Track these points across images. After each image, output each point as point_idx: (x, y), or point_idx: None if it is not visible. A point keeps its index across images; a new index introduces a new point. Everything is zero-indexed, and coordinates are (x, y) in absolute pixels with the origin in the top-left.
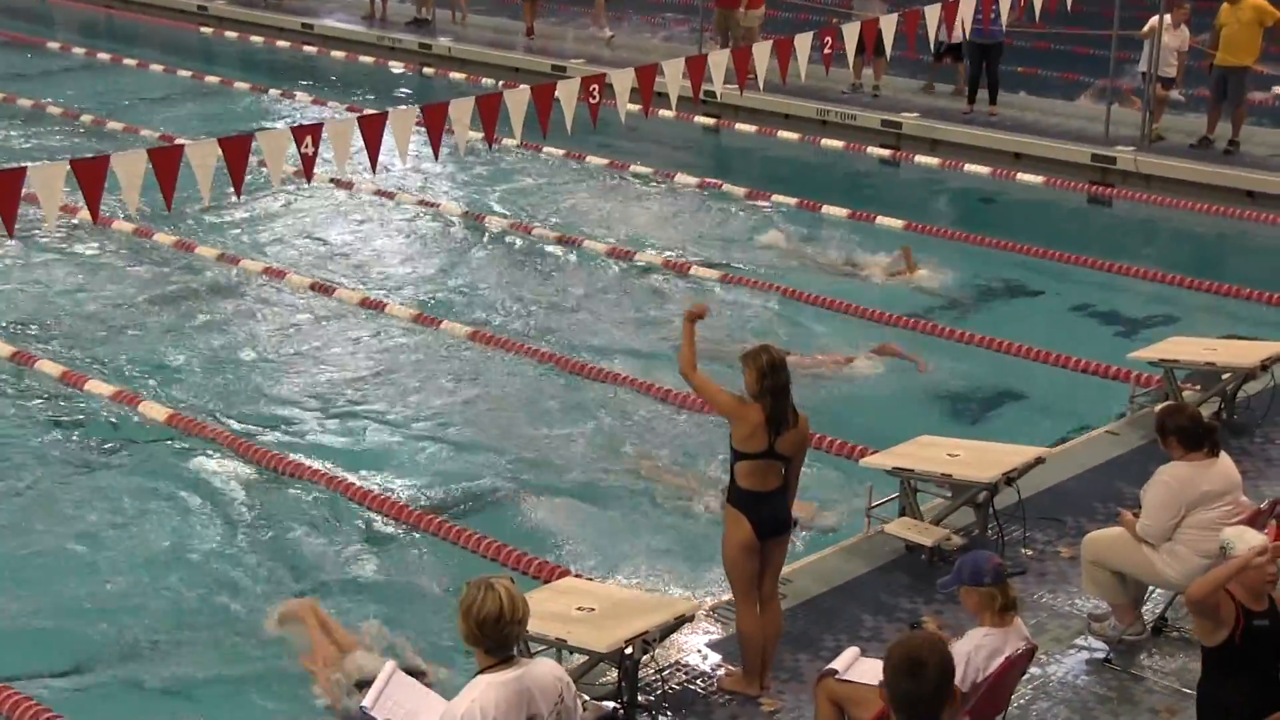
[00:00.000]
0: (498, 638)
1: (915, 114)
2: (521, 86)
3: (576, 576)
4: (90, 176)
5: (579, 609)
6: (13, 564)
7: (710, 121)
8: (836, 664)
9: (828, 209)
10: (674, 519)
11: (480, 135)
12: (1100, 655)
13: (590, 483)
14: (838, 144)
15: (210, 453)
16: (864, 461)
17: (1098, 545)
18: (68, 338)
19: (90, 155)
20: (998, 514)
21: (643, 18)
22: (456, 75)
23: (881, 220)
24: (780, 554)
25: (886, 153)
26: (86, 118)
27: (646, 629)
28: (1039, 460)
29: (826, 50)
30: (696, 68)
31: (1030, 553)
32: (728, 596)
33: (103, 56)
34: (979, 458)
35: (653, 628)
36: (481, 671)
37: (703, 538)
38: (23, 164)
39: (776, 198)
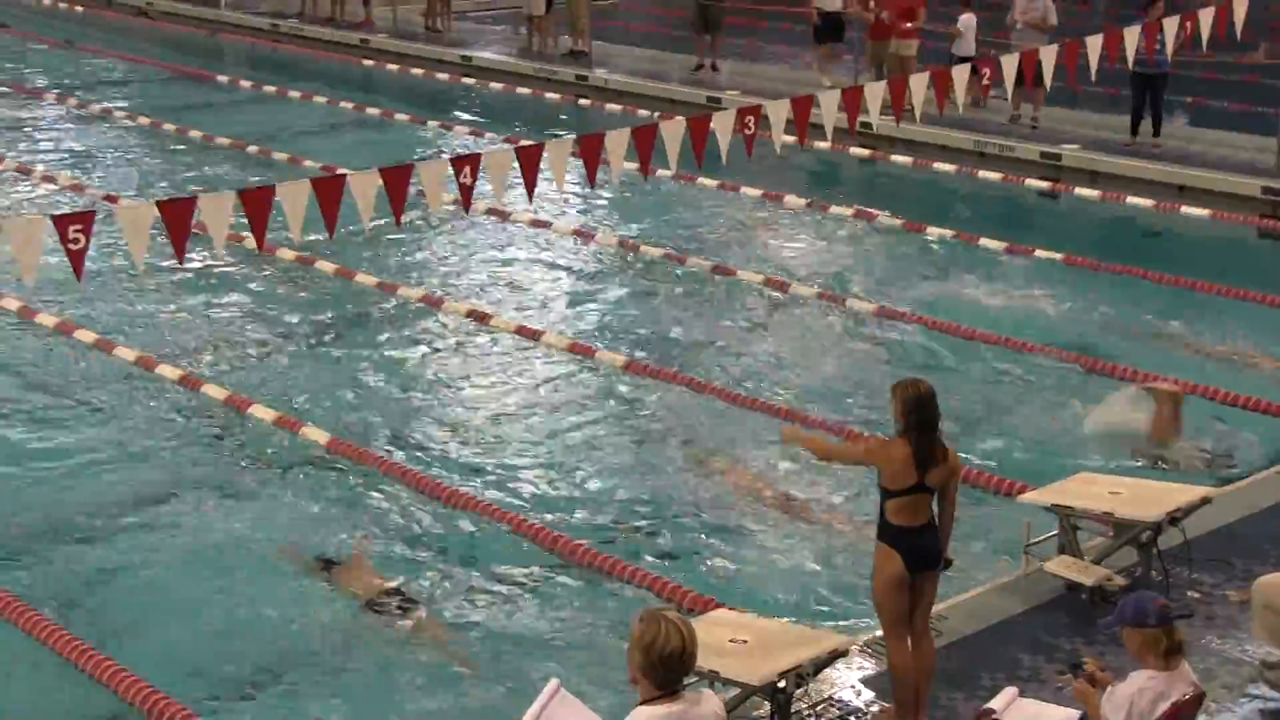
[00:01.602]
0: (675, 672)
1: (1075, 145)
2: (677, 118)
3: (729, 609)
4: (256, 205)
5: (732, 641)
6: (179, 585)
7: (865, 153)
8: (994, 704)
9: (985, 241)
10: (826, 552)
11: (636, 166)
12: (1274, 705)
13: (742, 514)
14: (995, 176)
15: (369, 478)
16: (1022, 498)
17: (1270, 589)
18: (233, 362)
19: (256, 185)
20: (1162, 555)
21: (797, 49)
22: (612, 107)
23: (1040, 253)
24: (932, 589)
25: (1045, 185)
26: (253, 148)
27: (800, 662)
28: (1205, 500)
29: (985, 81)
30: (852, 99)
31: (1197, 595)
32: (881, 632)
33: (269, 89)
34: (1142, 496)
35: (806, 661)
36: (643, 703)
37: (854, 572)
38: (193, 193)
39: (932, 230)
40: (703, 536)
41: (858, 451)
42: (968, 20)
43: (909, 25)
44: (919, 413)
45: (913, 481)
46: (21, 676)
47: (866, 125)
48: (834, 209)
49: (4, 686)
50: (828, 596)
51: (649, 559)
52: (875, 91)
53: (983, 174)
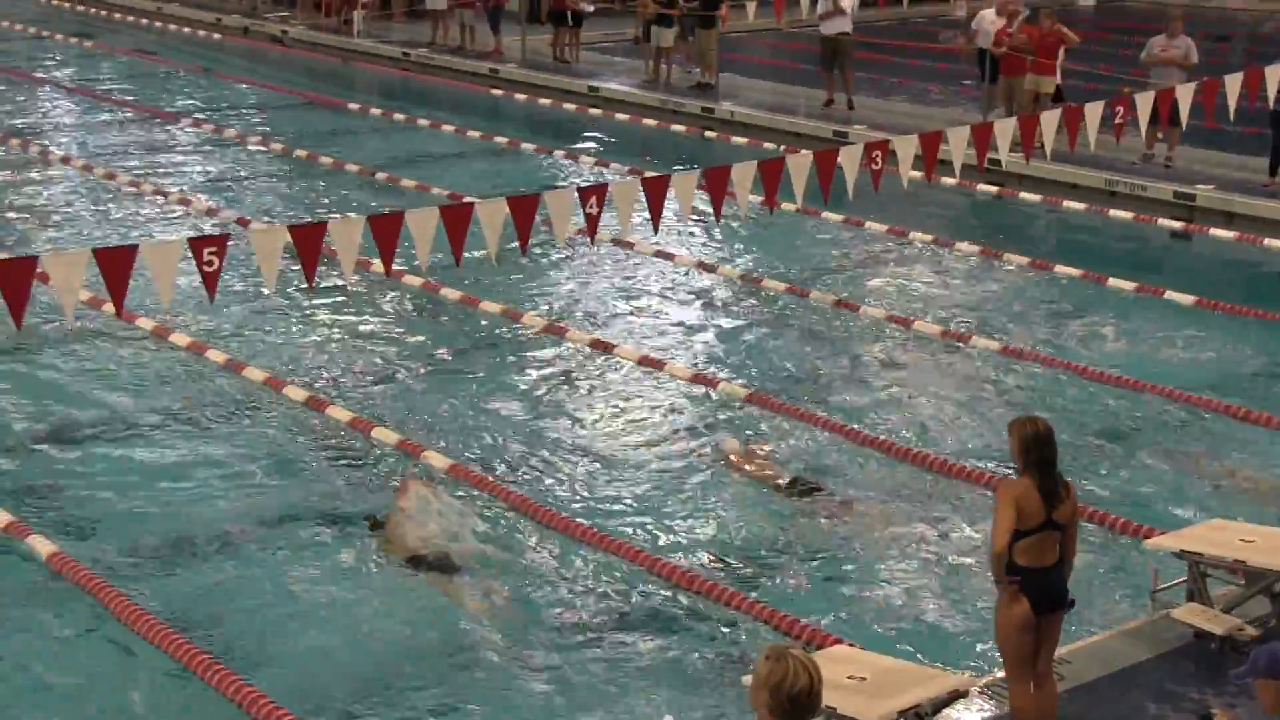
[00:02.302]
0: (802, 711)
1: (1211, 185)
2: (804, 152)
3: (847, 644)
4: (385, 232)
5: (850, 678)
6: (300, 603)
7: (993, 189)
8: None
9: (1114, 281)
10: (948, 590)
11: (761, 199)
12: None
13: (862, 549)
14: (1126, 215)
15: (489, 505)
16: (1149, 542)
17: None
18: (358, 385)
19: (385, 211)
20: None
21: (926, 84)
22: (738, 139)
23: (1170, 294)
24: (1056, 630)
25: (1178, 225)
26: (382, 175)
27: (919, 701)
28: None
29: (1118, 120)
30: (982, 135)
31: None
32: (1002, 674)
33: (398, 117)
34: (1276, 545)
35: (925, 701)
36: None
37: (977, 610)
38: (323, 218)
39: (1060, 268)
40: (822, 571)
41: (1006, 516)
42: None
43: (1049, 61)
44: (1039, 450)
45: (1041, 519)
46: (145, 686)
47: (995, 162)
48: (960, 245)
49: (125, 695)
50: (949, 635)
51: (767, 592)
52: (1005, 128)
53: (1113, 213)
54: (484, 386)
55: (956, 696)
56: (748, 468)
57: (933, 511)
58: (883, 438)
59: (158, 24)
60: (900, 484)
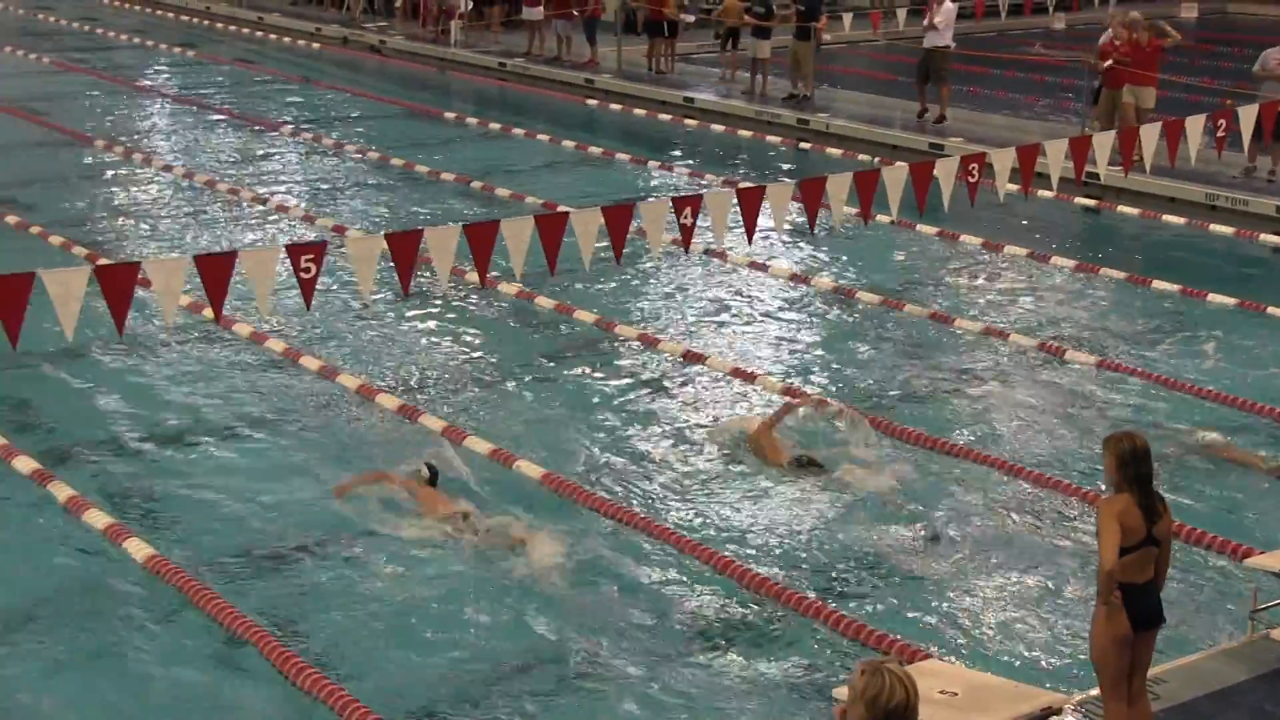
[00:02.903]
0: None
1: None
2: (899, 164)
3: (939, 659)
4: (480, 240)
5: (941, 693)
6: (391, 609)
7: (1091, 203)
8: None
9: (1213, 297)
10: (1041, 606)
11: (855, 211)
12: None
13: (953, 565)
14: (1226, 230)
15: (581, 514)
16: (1249, 562)
17: None
18: (450, 394)
19: (480, 220)
20: None
21: (1026, 96)
22: (833, 151)
23: (1272, 310)
24: (1151, 648)
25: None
26: (477, 184)
27: (1011, 718)
28: None
29: (1220, 133)
30: (1080, 149)
31: None
32: (1096, 692)
33: (494, 126)
34: None
35: (1017, 717)
36: None
37: (1070, 627)
38: (419, 226)
39: (1158, 284)
40: (914, 585)
41: (1112, 532)
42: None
43: (1149, 74)
44: (1136, 465)
45: (1142, 536)
46: (239, 688)
47: (1093, 175)
48: (1056, 259)
49: (220, 697)
50: (1040, 651)
51: (858, 607)
52: (1104, 141)
53: (1214, 228)
54: (576, 396)
55: (1050, 714)
56: (765, 453)
57: (1027, 526)
58: (977, 450)
59: (259, 34)
60: (995, 498)
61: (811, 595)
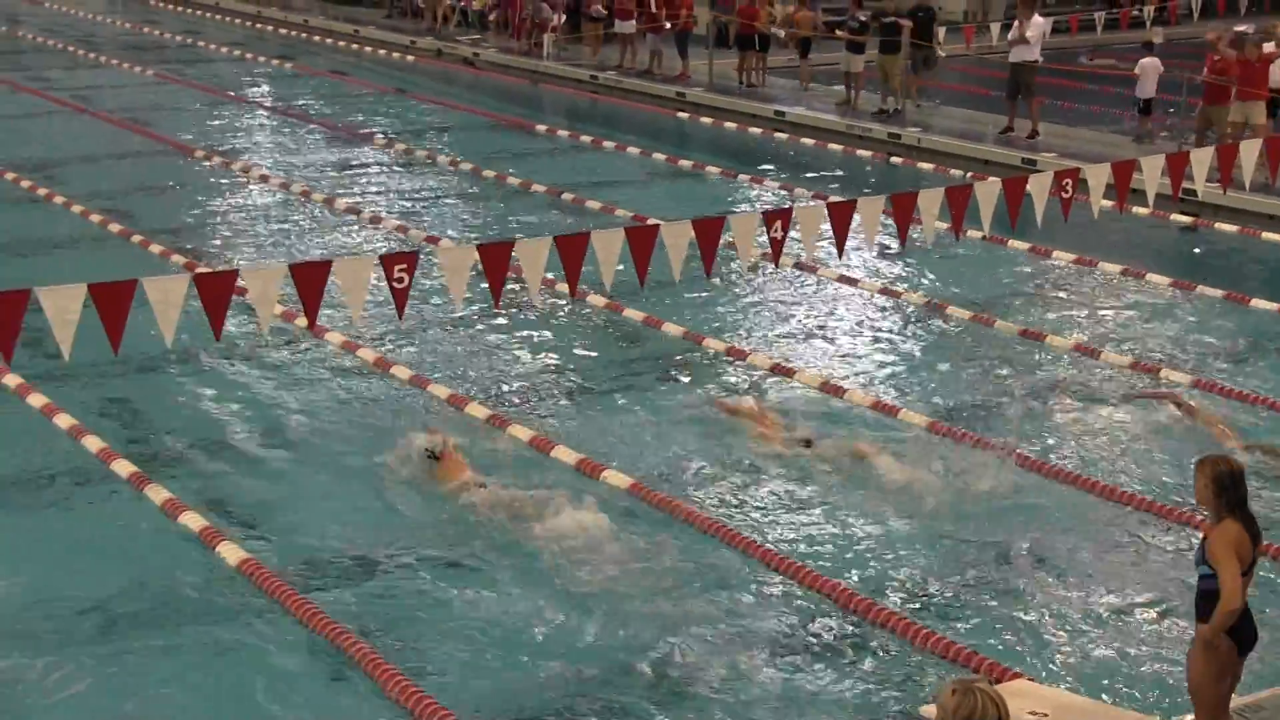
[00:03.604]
0: None
1: None
2: (992, 179)
3: (1029, 679)
4: (571, 252)
5: (1032, 714)
6: (482, 620)
7: (1187, 220)
8: None
9: None
10: (1133, 628)
11: (947, 226)
12: None
13: (1045, 583)
14: None
15: (677, 525)
16: None
17: None
18: (540, 404)
19: (571, 232)
20: None
21: (1118, 111)
22: (924, 165)
23: None
24: (1241, 669)
25: None
26: (567, 196)
27: None
28: None
29: None
30: (1177, 165)
31: None
32: (1190, 717)
33: (585, 139)
34: None
35: None
36: None
37: (1163, 650)
38: (511, 238)
39: (1256, 302)
40: (1003, 604)
41: (1233, 564)
42: (1148, 64)
43: (1260, 91)
44: (1236, 489)
45: (1250, 561)
46: (328, 691)
47: (1191, 192)
48: (1151, 276)
49: (308, 697)
50: (1130, 673)
51: (949, 625)
52: (1202, 157)
53: None
54: (665, 408)
55: None
56: (762, 429)
57: (1117, 546)
58: (1069, 469)
59: (354, 46)
60: (1085, 517)
61: (900, 612)
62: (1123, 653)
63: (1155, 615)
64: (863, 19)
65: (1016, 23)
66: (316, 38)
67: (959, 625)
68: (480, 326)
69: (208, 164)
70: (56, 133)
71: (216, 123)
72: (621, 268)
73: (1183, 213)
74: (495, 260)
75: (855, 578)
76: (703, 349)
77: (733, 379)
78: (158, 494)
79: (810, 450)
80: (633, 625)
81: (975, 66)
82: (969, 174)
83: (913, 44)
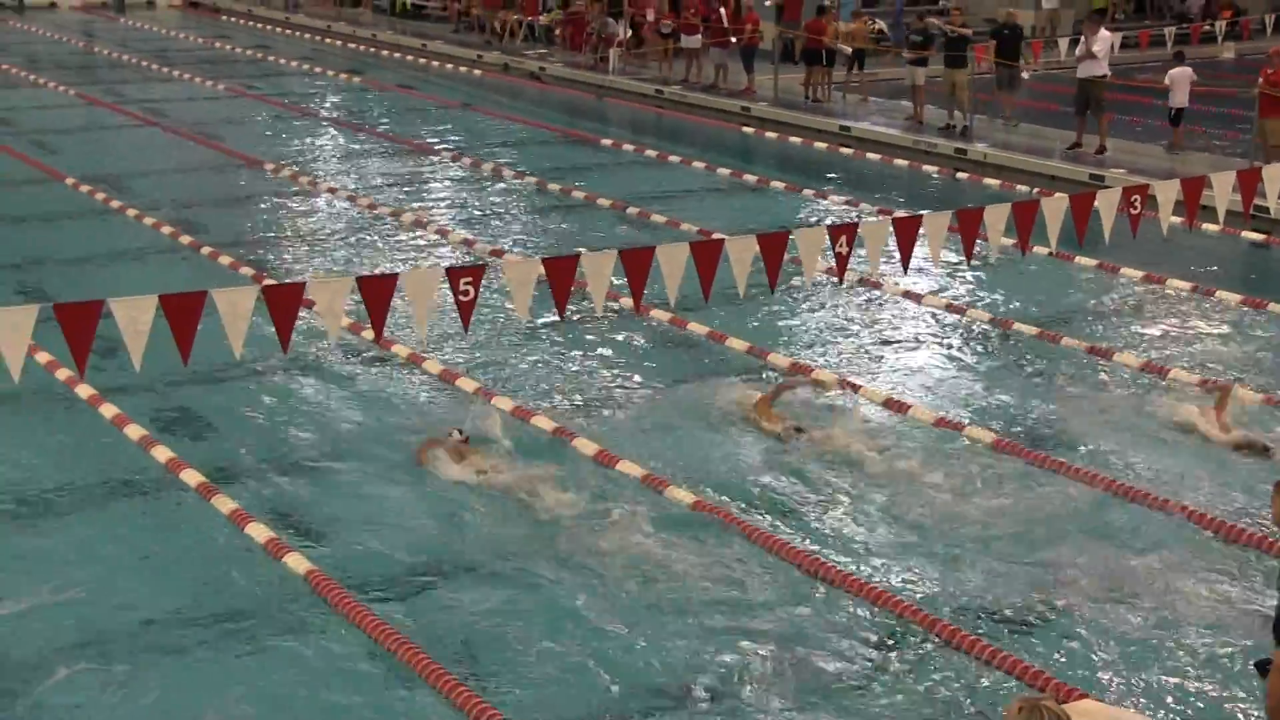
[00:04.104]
0: None
1: None
2: (1059, 195)
3: (1094, 699)
4: (636, 265)
5: None
6: (547, 634)
7: (1259, 237)
8: None
9: None
10: (1205, 650)
11: (1013, 242)
12: None
13: (1112, 605)
14: None
15: (734, 541)
16: None
17: None
18: (604, 417)
19: (636, 246)
20: None
21: (1192, 127)
22: (990, 181)
23: None
24: None
25: None
26: (633, 210)
27: None
28: None
29: None
30: (1249, 182)
31: None
32: None
33: (650, 153)
34: None
35: None
36: None
37: (1236, 673)
38: (576, 251)
39: None
40: (1072, 622)
41: None
42: (1179, 74)
43: None
44: None
45: None
46: (391, 703)
47: (1262, 209)
48: (1221, 294)
49: (372, 709)
50: (1201, 696)
51: (1014, 643)
52: (1274, 174)
53: None
54: (728, 422)
55: None
56: (763, 422)
57: (1187, 568)
58: (1138, 488)
59: (422, 60)
60: (1153, 537)
61: (970, 630)
62: (1191, 674)
63: (1225, 638)
64: (931, 31)
65: (1084, 38)
66: (384, 52)
67: (1025, 642)
68: (544, 339)
69: (277, 177)
70: (130, 146)
71: (285, 136)
72: (685, 282)
73: (1254, 230)
74: (560, 274)
75: (920, 594)
76: (766, 363)
77: (796, 394)
78: (225, 504)
79: (801, 435)
80: (695, 640)
81: (1042, 82)
82: (1035, 190)
83: (997, 62)
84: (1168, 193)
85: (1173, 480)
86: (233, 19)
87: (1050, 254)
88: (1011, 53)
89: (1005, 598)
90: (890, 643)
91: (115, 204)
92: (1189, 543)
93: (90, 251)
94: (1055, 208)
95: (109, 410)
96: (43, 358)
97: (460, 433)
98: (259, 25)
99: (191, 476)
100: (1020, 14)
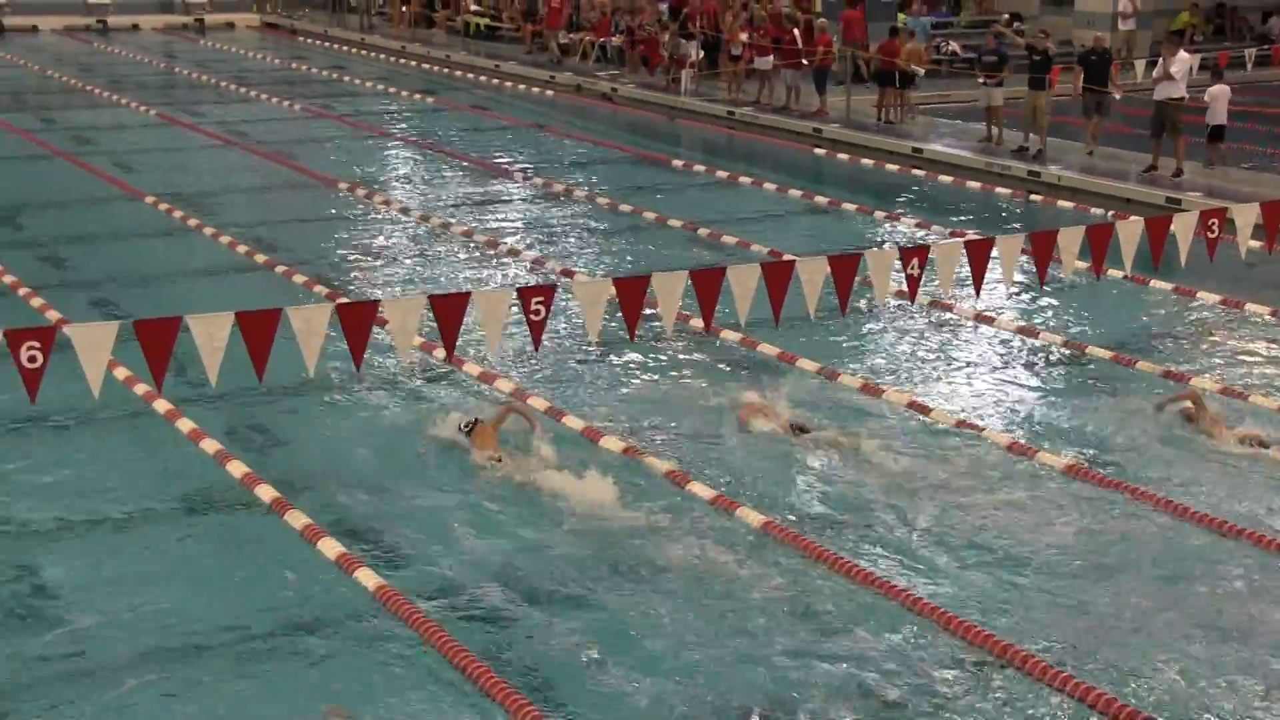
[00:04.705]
0: None
1: None
2: (1134, 218)
3: None
4: (707, 286)
5: None
6: (611, 653)
7: None
8: None
9: None
10: (1269, 676)
11: (1087, 265)
12: None
13: (1183, 633)
14: None
15: (801, 564)
16: None
17: None
18: (674, 438)
19: (706, 267)
20: None
21: (1271, 149)
22: (1064, 204)
23: None
24: None
25: None
26: (703, 231)
27: None
28: None
29: None
30: None
31: None
32: None
33: (721, 174)
34: None
35: None
36: None
37: None
38: (646, 273)
39: None
40: (1143, 648)
41: None
42: (1218, 91)
43: None
44: None
45: None
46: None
47: None
48: None
49: None
50: None
51: (1084, 669)
52: None
53: None
54: (798, 445)
55: None
56: (762, 422)
57: (1262, 595)
58: (1211, 516)
59: (495, 81)
60: (1230, 566)
61: (1035, 655)
62: (1258, 703)
63: None
64: (1005, 45)
65: (1161, 59)
66: (458, 73)
67: (1094, 670)
68: (614, 359)
69: (351, 196)
70: (207, 165)
71: (360, 156)
72: (756, 303)
73: None
74: (631, 294)
75: (989, 619)
76: (837, 385)
77: (868, 417)
78: (297, 519)
79: (804, 435)
80: (762, 664)
81: (1118, 104)
82: (1110, 213)
83: (1087, 88)
84: (1246, 216)
85: (1250, 508)
86: (309, 40)
87: (1125, 277)
88: (1100, 78)
89: (1075, 624)
90: (960, 668)
91: (193, 222)
92: (1270, 571)
93: (168, 269)
94: (1130, 231)
95: (185, 424)
96: (121, 373)
97: (465, 425)
98: (335, 46)
99: (265, 492)
100: (1105, 37)
